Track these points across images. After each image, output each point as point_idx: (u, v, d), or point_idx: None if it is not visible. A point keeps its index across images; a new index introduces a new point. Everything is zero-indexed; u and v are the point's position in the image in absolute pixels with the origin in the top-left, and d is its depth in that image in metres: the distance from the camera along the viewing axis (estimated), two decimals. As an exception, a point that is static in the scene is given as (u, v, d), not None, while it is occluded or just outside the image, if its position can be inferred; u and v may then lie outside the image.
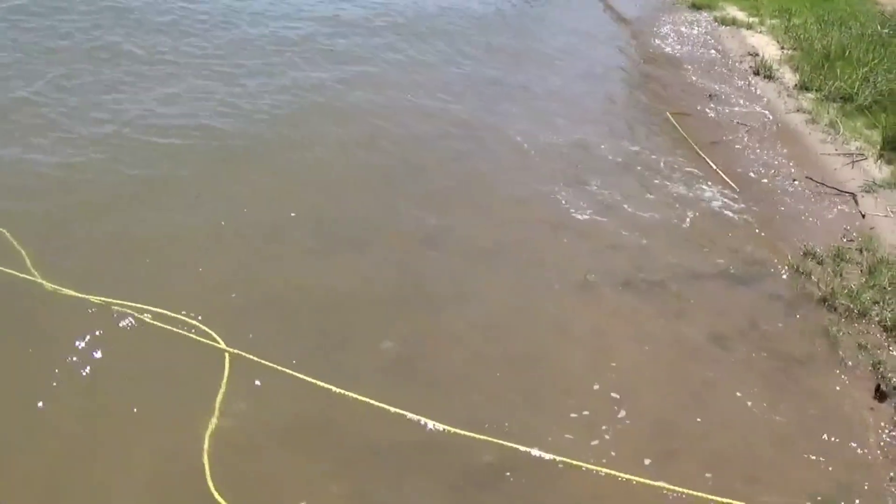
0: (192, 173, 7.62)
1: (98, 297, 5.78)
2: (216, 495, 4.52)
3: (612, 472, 4.97)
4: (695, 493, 4.90)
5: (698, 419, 5.56)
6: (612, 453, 5.15)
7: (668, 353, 6.16)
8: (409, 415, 5.17)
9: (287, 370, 5.36)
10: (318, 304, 6.20)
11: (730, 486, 5.02)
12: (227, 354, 5.45)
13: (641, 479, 4.95)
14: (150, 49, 10.11)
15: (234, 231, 6.88)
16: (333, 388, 5.27)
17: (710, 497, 4.88)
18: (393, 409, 5.18)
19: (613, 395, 5.65)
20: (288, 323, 5.95)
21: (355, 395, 5.22)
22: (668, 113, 10.55)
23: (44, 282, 5.89)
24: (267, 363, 5.40)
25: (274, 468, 4.82)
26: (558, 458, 5.01)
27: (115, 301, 5.77)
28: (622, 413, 5.50)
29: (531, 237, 7.48)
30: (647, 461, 5.13)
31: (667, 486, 4.93)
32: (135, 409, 5.05)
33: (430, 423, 5.14)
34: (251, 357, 5.44)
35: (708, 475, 5.06)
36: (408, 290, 6.52)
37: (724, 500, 4.87)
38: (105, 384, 5.23)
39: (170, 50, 10.13)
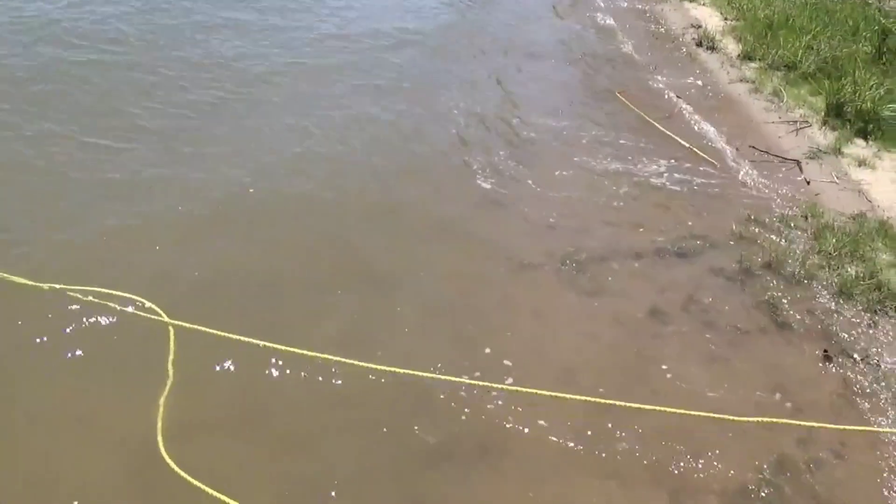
0: (134, 165, 7.44)
1: (48, 284, 5.69)
2: (174, 466, 4.50)
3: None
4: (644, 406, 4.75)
5: (636, 395, 5.31)
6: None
7: (608, 332, 5.95)
8: (358, 363, 5.17)
9: (232, 335, 5.30)
10: (265, 282, 6.14)
11: (670, 461, 4.86)
12: (171, 328, 5.46)
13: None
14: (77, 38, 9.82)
15: (179, 214, 6.80)
16: (280, 347, 5.26)
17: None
18: (343, 360, 5.19)
19: (552, 373, 5.45)
20: (234, 300, 5.92)
21: (298, 350, 5.23)
22: (617, 93, 10.30)
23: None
24: (211, 331, 5.35)
25: (227, 434, 4.84)
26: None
27: (65, 287, 5.70)
28: (560, 392, 5.26)
29: (474, 218, 7.25)
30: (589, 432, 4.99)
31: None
32: (87, 390, 5.04)
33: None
34: (197, 327, 5.40)
35: (642, 450, 4.89)
36: (353, 267, 6.43)
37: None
38: (57, 367, 5.17)
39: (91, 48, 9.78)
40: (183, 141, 7.92)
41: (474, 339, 5.75)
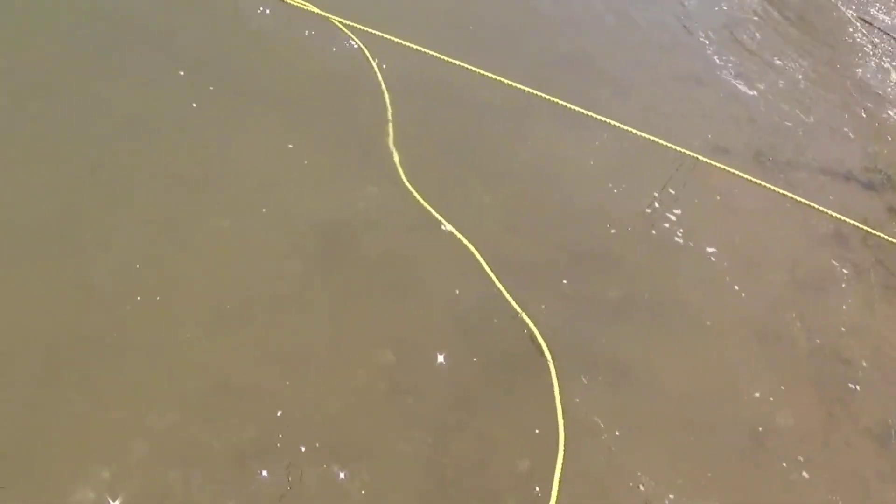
0: None
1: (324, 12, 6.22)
2: (411, 189, 5.07)
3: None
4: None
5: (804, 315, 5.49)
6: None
7: (790, 233, 6.05)
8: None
9: (433, 53, 6.08)
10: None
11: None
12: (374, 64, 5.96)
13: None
14: None
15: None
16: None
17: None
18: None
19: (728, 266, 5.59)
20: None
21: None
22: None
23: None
24: (409, 44, 6.09)
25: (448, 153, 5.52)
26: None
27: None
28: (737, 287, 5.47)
29: (673, 90, 7.15)
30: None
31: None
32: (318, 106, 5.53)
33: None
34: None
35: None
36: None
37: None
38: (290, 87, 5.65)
39: None
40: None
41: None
